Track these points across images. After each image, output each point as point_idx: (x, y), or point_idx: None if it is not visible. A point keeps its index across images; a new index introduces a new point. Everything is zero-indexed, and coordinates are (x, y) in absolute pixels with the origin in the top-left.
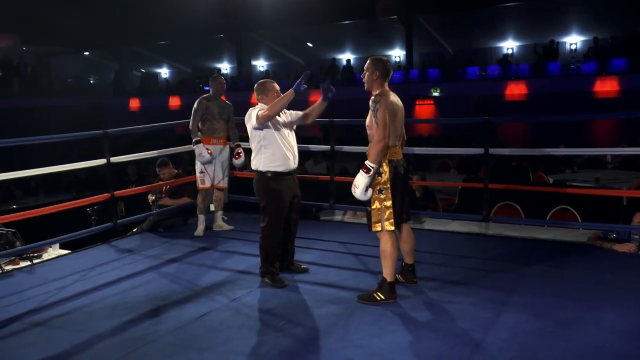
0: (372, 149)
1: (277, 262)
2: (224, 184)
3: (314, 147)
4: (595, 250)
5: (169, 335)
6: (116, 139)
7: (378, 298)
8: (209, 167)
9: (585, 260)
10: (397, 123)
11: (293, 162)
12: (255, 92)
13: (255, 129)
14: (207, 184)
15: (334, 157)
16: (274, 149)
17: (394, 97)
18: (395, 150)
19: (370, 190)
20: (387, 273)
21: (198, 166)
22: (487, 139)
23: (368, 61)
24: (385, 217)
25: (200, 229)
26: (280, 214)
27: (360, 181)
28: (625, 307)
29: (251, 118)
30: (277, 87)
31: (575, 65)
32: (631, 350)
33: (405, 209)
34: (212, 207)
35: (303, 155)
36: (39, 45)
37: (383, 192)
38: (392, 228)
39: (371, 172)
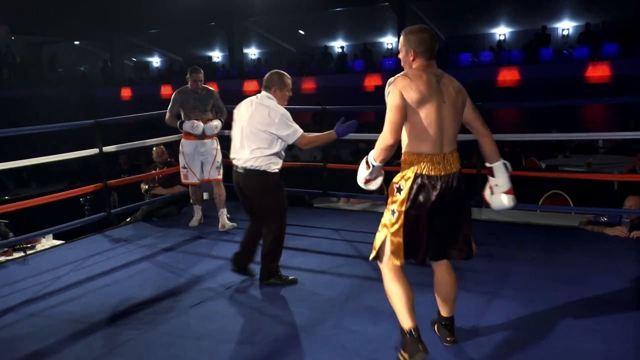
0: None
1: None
2: (214, 175)
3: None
4: (587, 234)
5: (164, 324)
6: (108, 128)
7: (402, 359)
8: (191, 163)
9: (577, 244)
10: None
11: None
12: (270, 82)
13: (280, 137)
14: (192, 180)
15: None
16: (281, 153)
17: (424, 78)
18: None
19: (375, 182)
20: (401, 319)
21: (181, 161)
22: None
23: (401, 37)
24: (390, 249)
25: (195, 219)
26: (286, 211)
27: (360, 173)
28: (617, 290)
29: (275, 123)
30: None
31: (567, 50)
32: (623, 332)
33: (443, 242)
34: (205, 196)
35: None
36: (28, 35)
37: (395, 215)
38: (398, 263)
39: (371, 169)
